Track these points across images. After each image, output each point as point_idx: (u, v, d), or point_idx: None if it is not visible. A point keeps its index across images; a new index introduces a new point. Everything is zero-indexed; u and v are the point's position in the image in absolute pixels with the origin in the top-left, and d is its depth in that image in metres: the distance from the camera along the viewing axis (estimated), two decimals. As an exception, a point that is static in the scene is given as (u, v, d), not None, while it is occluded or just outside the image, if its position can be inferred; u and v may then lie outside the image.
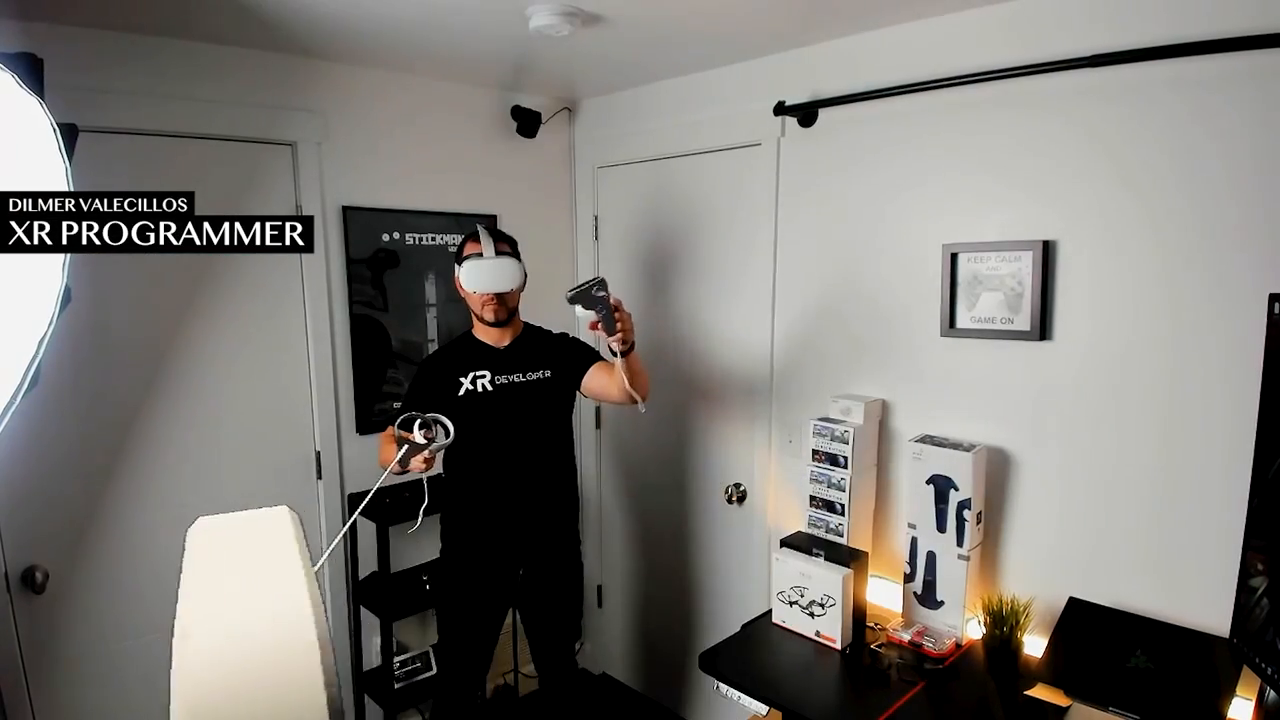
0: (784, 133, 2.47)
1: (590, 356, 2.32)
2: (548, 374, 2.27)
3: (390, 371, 2.79)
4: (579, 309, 1.93)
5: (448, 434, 1.87)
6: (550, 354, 2.31)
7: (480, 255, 2.15)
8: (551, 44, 2.29)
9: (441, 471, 2.27)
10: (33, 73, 0.84)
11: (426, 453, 1.87)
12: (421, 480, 2.08)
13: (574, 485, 2.38)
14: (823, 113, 2.37)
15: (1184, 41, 1.65)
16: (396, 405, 2.53)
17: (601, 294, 1.92)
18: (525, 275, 2.23)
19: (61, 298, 0.77)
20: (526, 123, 2.95)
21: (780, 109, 2.41)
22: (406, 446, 1.86)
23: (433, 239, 2.84)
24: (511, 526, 2.24)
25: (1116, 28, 1.76)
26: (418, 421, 1.85)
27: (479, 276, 2.15)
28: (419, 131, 2.78)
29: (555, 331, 2.40)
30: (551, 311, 2.45)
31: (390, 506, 2.60)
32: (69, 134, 0.81)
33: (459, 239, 2.45)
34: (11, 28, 1.90)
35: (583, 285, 1.93)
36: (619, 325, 1.93)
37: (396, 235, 2.76)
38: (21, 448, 2.03)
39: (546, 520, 2.28)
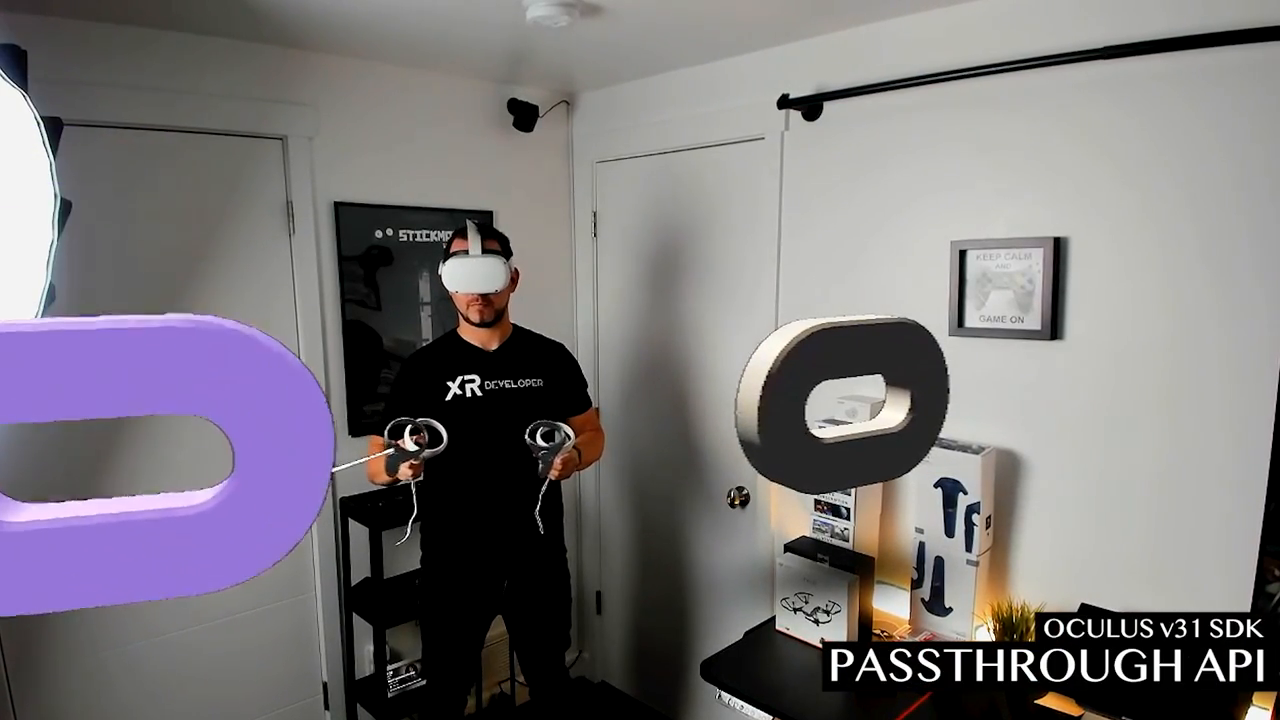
0: (788, 126, 2.43)
1: (580, 404, 2.31)
2: (539, 382, 2.21)
3: (383, 372, 2.72)
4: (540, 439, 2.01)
5: (440, 440, 1.81)
6: (543, 362, 2.26)
7: (465, 253, 2.09)
8: (549, 35, 2.24)
9: (421, 477, 2.22)
10: (16, 65, 0.80)
11: (415, 460, 1.82)
12: (410, 488, 2.03)
13: (559, 493, 2.32)
14: (828, 106, 2.33)
15: (1197, 34, 1.62)
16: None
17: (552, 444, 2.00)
18: (514, 275, 2.17)
19: (45, 295, 0.73)
20: (523, 116, 2.89)
21: (784, 102, 2.37)
22: (392, 451, 1.79)
23: (427, 235, 2.79)
24: (496, 537, 2.18)
25: (1130, 19, 1.73)
26: (408, 427, 1.80)
27: (459, 276, 2.09)
28: (413, 125, 2.72)
29: (548, 337, 2.34)
30: (549, 311, 2.40)
31: (383, 511, 2.55)
32: (53, 127, 0.77)
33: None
34: (-7, 18, 1.85)
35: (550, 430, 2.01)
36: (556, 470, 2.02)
37: (390, 232, 2.70)
38: (3, 450, 1.98)
39: (532, 530, 2.21)
